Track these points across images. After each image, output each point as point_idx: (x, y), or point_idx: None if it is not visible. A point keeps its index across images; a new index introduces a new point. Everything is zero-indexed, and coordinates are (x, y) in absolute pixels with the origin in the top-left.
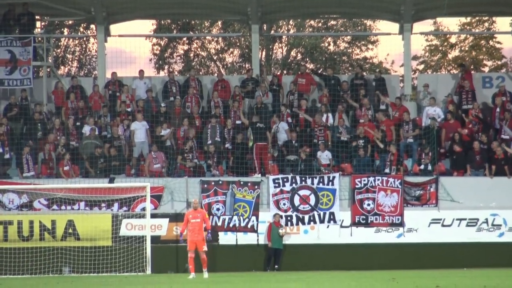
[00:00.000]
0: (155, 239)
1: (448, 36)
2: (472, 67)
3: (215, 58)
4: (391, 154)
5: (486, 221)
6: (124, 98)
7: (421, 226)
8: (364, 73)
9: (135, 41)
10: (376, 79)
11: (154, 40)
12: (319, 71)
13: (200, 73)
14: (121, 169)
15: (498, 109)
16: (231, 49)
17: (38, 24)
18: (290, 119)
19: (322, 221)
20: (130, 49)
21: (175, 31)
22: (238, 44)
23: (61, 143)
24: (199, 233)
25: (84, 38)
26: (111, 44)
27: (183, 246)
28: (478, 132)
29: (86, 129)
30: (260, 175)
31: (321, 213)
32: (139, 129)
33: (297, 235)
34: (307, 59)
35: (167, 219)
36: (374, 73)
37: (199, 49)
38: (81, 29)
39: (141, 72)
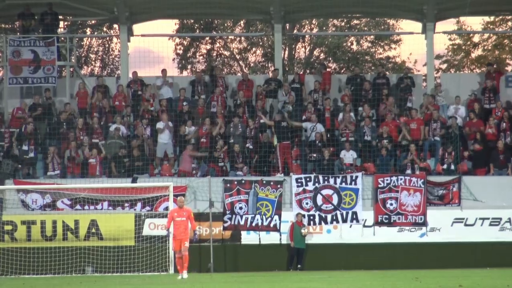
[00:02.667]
0: None
1: (471, 35)
2: (495, 66)
3: (238, 57)
4: (410, 153)
5: (509, 221)
6: (148, 97)
7: (444, 226)
8: (387, 73)
9: (158, 41)
10: (403, 77)
11: (177, 40)
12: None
13: (223, 72)
14: (144, 169)
15: None
16: (253, 49)
17: (61, 24)
18: (317, 119)
19: (344, 221)
20: (153, 48)
21: (197, 31)
22: (261, 43)
23: (85, 142)
24: (184, 232)
25: (107, 38)
26: (134, 44)
27: (205, 246)
28: (505, 131)
29: (112, 128)
30: (283, 174)
31: (344, 212)
32: (163, 129)
33: (320, 235)
34: (330, 59)
35: None
36: (403, 71)
37: (221, 49)
38: (104, 29)
39: (164, 71)
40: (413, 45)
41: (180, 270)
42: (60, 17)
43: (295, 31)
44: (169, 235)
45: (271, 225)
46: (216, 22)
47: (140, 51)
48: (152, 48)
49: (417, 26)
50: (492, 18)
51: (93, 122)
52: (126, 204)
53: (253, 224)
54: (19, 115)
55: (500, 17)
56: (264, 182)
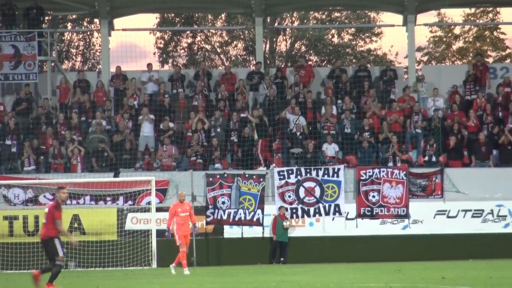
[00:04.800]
0: (160, 233)
1: (452, 27)
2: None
3: (219, 51)
4: (392, 145)
5: (492, 212)
6: (132, 91)
7: (426, 218)
8: (368, 65)
9: (139, 35)
10: (386, 69)
11: (158, 34)
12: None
13: (205, 65)
14: (126, 163)
15: (500, 99)
16: (235, 42)
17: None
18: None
19: (327, 213)
20: (134, 43)
21: (178, 25)
22: (242, 37)
23: (67, 137)
24: (187, 226)
25: (88, 33)
26: (115, 38)
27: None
28: (488, 123)
29: (94, 123)
30: (265, 168)
31: (326, 205)
32: (146, 123)
33: (303, 228)
34: (311, 52)
35: None
36: (384, 64)
37: (203, 42)
38: (85, 24)
39: (149, 65)
40: (394, 38)
41: (185, 265)
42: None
43: (276, 24)
44: (169, 236)
45: (254, 219)
46: (197, 15)
47: (123, 45)
48: (135, 42)
49: (398, 18)
50: (472, 10)
51: (73, 118)
52: (108, 199)
53: (236, 219)
54: None
55: (481, 9)
56: (247, 176)
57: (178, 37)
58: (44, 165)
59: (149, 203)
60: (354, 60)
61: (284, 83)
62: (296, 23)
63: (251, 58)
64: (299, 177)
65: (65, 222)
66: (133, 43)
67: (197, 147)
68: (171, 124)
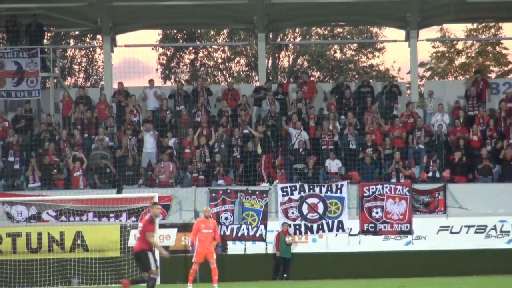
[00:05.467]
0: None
1: (454, 42)
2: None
3: (221, 67)
4: (395, 161)
5: (495, 228)
6: (131, 108)
7: (429, 234)
8: (371, 81)
9: (142, 51)
10: (389, 85)
11: (161, 50)
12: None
13: (207, 82)
14: (129, 179)
15: (502, 114)
16: (237, 58)
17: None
18: (302, 127)
19: (330, 230)
20: (136, 59)
21: (181, 41)
22: (244, 53)
23: (68, 153)
24: (210, 244)
25: (91, 49)
26: (118, 54)
27: (191, 256)
28: (491, 138)
29: (96, 140)
30: (268, 184)
31: (330, 221)
32: (148, 139)
33: (306, 244)
34: (314, 67)
35: (176, 229)
36: (386, 79)
37: (205, 58)
38: (88, 40)
39: (151, 81)
40: (397, 53)
41: (190, 281)
42: (45, 28)
43: (278, 40)
44: (193, 249)
45: (257, 235)
46: (199, 32)
47: (125, 62)
48: (137, 58)
49: (400, 33)
50: (475, 25)
51: (75, 134)
52: (111, 215)
53: (239, 234)
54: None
55: (483, 24)
56: (250, 191)
57: (181, 53)
58: (47, 181)
59: None
60: (356, 76)
61: (285, 99)
62: (298, 39)
63: (253, 74)
64: (302, 193)
65: (68, 238)
66: (135, 59)
67: (199, 163)
68: (171, 141)
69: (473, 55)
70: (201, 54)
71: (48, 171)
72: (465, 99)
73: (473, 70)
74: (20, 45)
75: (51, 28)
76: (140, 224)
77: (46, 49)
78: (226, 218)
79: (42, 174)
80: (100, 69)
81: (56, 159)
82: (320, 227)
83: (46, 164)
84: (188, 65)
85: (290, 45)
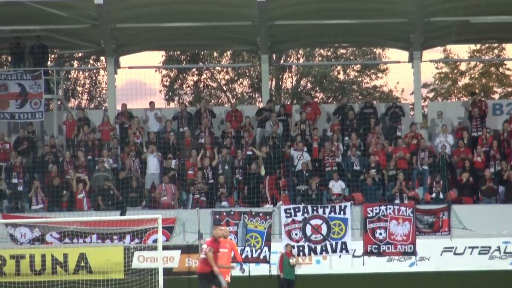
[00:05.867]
0: (167, 271)
1: (457, 63)
2: (482, 94)
3: (225, 88)
4: (399, 182)
5: (498, 249)
6: (134, 130)
7: (433, 255)
8: (374, 102)
9: (145, 73)
10: (393, 106)
11: (164, 72)
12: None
13: (210, 103)
14: (133, 201)
15: (505, 135)
16: (240, 80)
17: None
18: (305, 148)
19: (334, 251)
20: (140, 80)
21: (184, 62)
22: (247, 74)
23: (72, 175)
24: (226, 264)
25: (94, 71)
26: (121, 76)
27: (195, 278)
28: (494, 159)
29: (99, 161)
30: (272, 205)
31: (333, 242)
32: (151, 160)
33: (310, 265)
34: (317, 88)
35: (179, 251)
36: (390, 100)
37: (209, 80)
38: (91, 62)
39: (152, 103)
40: (400, 74)
41: None
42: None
43: (281, 61)
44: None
45: (261, 256)
46: (202, 53)
47: (129, 83)
48: (141, 80)
49: (403, 55)
50: (478, 46)
51: (79, 156)
52: (115, 237)
53: (243, 256)
54: (2, 147)
55: (487, 45)
56: (253, 213)
57: (184, 74)
58: (51, 203)
59: (155, 241)
60: (360, 97)
61: (288, 120)
62: (301, 60)
63: (257, 95)
64: (305, 215)
65: (72, 260)
66: (139, 81)
67: (201, 185)
68: (173, 162)
69: (476, 76)
70: (204, 76)
71: (52, 193)
72: (468, 120)
73: (477, 90)
74: (24, 67)
75: (55, 50)
76: (205, 246)
77: (49, 71)
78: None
79: (46, 196)
80: (103, 91)
81: (59, 181)
82: (324, 248)
83: (49, 186)
84: (192, 87)
85: (293, 66)
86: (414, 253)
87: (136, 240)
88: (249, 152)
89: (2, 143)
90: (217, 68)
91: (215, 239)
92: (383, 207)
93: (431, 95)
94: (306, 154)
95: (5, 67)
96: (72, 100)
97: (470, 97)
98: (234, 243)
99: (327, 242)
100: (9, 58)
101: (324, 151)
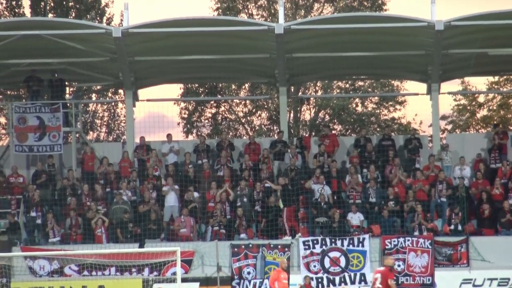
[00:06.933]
0: None
1: (476, 95)
2: (501, 126)
3: (243, 121)
4: (417, 214)
5: None
6: (152, 163)
7: (452, 287)
8: (392, 134)
9: (163, 105)
10: (411, 138)
11: (182, 104)
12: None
13: (229, 135)
14: (151, 233)
15: None
16: (258, 112)
17: (67, 90)
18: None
19: (353, 283)
20: (158, 113)
21: (202, 95)
22: (265, 106)
23: (93, 208)
24: None
25: (113, 103)
26: (139, 109)
27: None
28: None
29: (118, 194)
30: (290, 237)
31: (352, 274)
32: (170, 193)
33: None
34: (335, 120)
35: (198, 283)
36: (408, 132)
37: (227, 112)
38: (109, 94)
39: (169, 136)
40: (418, 106)
41: None
42: (66, 83)
43: (300, 93)
44: None
45: None
46: (220, 85)
47: (147, 116)
48: (159, 113)
49: (422, 87)
50: (496, 78)
51: (97, 190)
52: (134, 269)
53: None
54: (16, 181)
55: (505, 77)
56: (272, 245)
57: (202, 107)
58: (68, 236)
59: (174, 273)
60: (378, 129)
61: (304, 153)
62: (319, 92)
63: (275, 127)
64: (324, 247)
65: None
66: (157, 114)
67: (220, 217)
68: (195, 194)
69: (494, 108)
70: (222, 108)
71: (70, 226)
72: (487, 152)
73: (494, 123)
74: (41, 99)
75: (73, 83)
76: (378, 275)
77: (68, 104)
78: (249, 273)
79: (63, 228)
80: (122, 124)
81: (77, 214)
82: (343, 280)
83: (68, 218)
84: (210, 119)
85: (311, 98)
86: (432, 285)
87: (155, 273)
88: (267, 185)
89: (16, 176)
90: (235, 100)
91: (390, 268)
92: (401, 239)
93: (449, 127)
94: (327, 187)
95: (23, 100)
96: (91, 133)
97: (493, 129)
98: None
99: (346, 274)
100: (25, 92)
101: (343, 184)
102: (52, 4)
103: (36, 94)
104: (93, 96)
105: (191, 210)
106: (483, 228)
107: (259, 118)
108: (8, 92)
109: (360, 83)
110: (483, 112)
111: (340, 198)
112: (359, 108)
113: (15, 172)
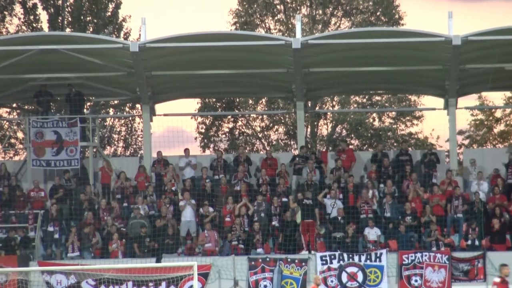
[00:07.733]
0: None
1: (493, 110)
2: None
3: (260, 135)
4: (434, 229)
5: None
6: (169, 177)
7: None
8: (410, 149)
9: (180, 120)
10: (428, 153)
11: (200, 119)
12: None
13: (246, 150)
14: (169, 248)
15: None
16: (276, 127)
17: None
18: (341, 195)
19: None
20: (175, 127)
21: (219, 109)
22: (283, 121)
23: (109, 223)
24: None
25: (130, 118)
26: (157, 123)
27: None
28: None
29: (135, 209)
30: (307, 252)
31: None
32: (187, 208)
33: None
34: (352, 135)
35: None
36: (425, 147)
37: (244, 127)
38: (127, 109)
39: (186, 150)
40: (436, 121)
41: None
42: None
43: (317, 108)
44: None
45: None
46: (238, 100)
47: (165, 130)
48: (176, 127)
49: (439, 102)
50: None
51: (113, 206)
52: (151, 284)
53: None
54: (37, 195)
55: None
56: (289, 260)
57: (219, 121)
58: (85, 250)
59: (191, 287)
60: (395, 144)
61: (322, 167)
62: (337, 107)
63: (292, 142)
64: (341, 262)
65: None
66: (174, 128)
67: (239, 232)
68: (210, 209)
69: (511, 122)
70: (239, 123)
71: (87, 240)
72: (504, 167)
73: None
74: (52, 115)
75: (90, 98)
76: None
77: (85, 119)
78: (265, 286)
79: (81, 243)
80: (139, 138)
81: (94, 229)
82: None
83: (85, 233)
84: (227, 134)
85: (328, 113)
86: None
87: (172, 287)
88: (284, 199)
89: (37, 191)
90: (252, 115)
91: (503, 280)
92: (418, 254)
93: (466, 142)
94: (339, 202)
95: (37, 116)
96: (108, 147)
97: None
98: None
99: None
100: (35, 106)
101: (361, 198)
102: (69, 19)
103: (47, 108)
104: (111, 111)
105: (213, 224)
106: (494, 244)
107: (276, 132)
108: (26, 107)
109: (377, 98)
110: (500, 127)
111: (357, 214)
112: (376, 123)
113: (36, 186)
